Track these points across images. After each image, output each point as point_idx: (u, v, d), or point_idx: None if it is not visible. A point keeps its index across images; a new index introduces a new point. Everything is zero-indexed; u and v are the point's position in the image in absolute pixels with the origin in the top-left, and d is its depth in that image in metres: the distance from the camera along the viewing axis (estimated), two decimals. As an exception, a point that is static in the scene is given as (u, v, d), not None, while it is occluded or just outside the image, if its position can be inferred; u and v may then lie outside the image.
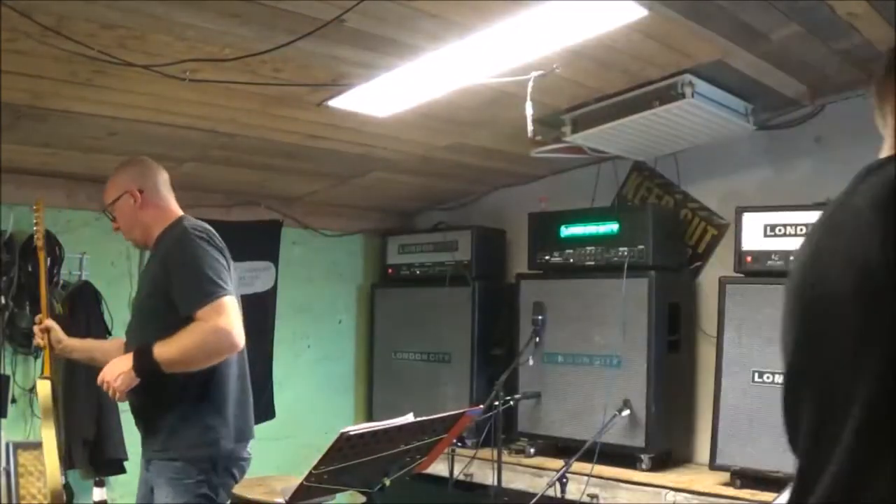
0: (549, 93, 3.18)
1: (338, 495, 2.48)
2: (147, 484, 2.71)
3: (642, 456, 3.72)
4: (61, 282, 3.96)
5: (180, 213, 2.80)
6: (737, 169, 4.04)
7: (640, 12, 2.47)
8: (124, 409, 4.12)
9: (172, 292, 2.58)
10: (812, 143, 3.76)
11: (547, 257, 4.19)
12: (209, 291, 2.57)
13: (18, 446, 3.73)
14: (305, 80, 2.94)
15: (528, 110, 2.86)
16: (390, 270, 5.07)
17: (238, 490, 3.90)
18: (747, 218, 3.49)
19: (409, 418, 2.25)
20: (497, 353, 4.54)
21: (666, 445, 3.87)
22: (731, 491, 3.36)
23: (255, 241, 4.82)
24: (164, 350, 2.50)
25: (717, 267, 4.02)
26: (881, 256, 0.94)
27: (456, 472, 3.97)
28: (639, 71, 3.12)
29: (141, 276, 2.90)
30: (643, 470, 3.71)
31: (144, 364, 2.50)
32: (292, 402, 5.00)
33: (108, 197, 2.78)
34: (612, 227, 3.96)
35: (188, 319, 2.53)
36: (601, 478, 3.70)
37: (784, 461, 3.20)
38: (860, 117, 3.89)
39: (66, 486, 3.38)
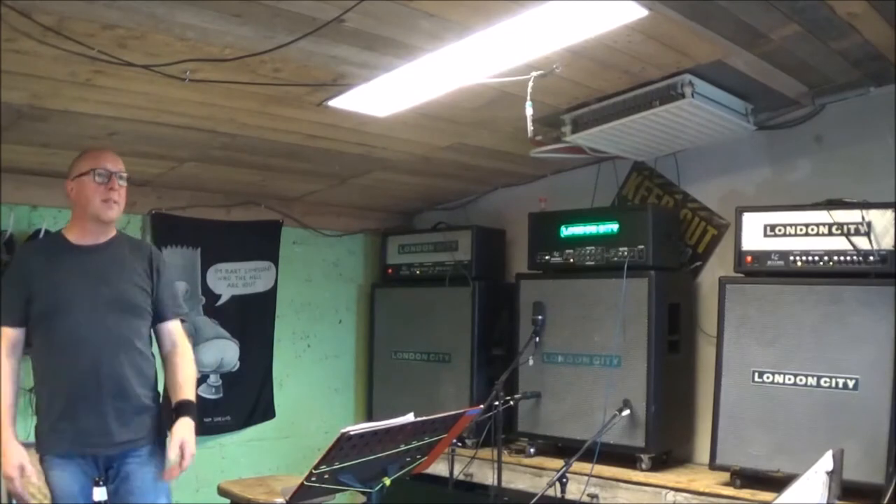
0: (549, 93, 3.18)
1: (338, 495, 2.48)
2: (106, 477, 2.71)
3: (642, 456, 3.72)
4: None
5: None
6: (737, 169, 4.04)
7: (641, 12, 2.47)
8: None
9: (155, 295, 2.86)
10: (812, 143, 3.75)
11: (547, 257, 4.19)
12: (180, 304, 3.08)
13: (18, 446, 3.72)
14: (305, 80, 2.94)
15: (528, 110, 2.87)
16: (390, 270, 5.07)
17: (238, 490, 3.92)
18: (747, 218, 3.49)
19: (409, 418, 2.25)
20: (497, 353, 4.54)
21: (666, 445, 3.87)
22: (730, 491, 3.36)
23: (255, 241, 4.83)
24: (192, 391, 2.87)
25: (717, 267, 4.02)
26: None
27: (456, 472, 3.97)
28: (639, 71, 3.12)
29: (113, 265, 2.80)
30: (643, 470, 3.71)
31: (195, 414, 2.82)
32: (292, 402, 5.00)
33: (123, 168, 2.82)
34: (612, 227, 3.96)
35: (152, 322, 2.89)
36: (601, 478, 3.70)
37: (784, 461, 3.21)
38: (860, 117, 3.91)
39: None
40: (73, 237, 2.80)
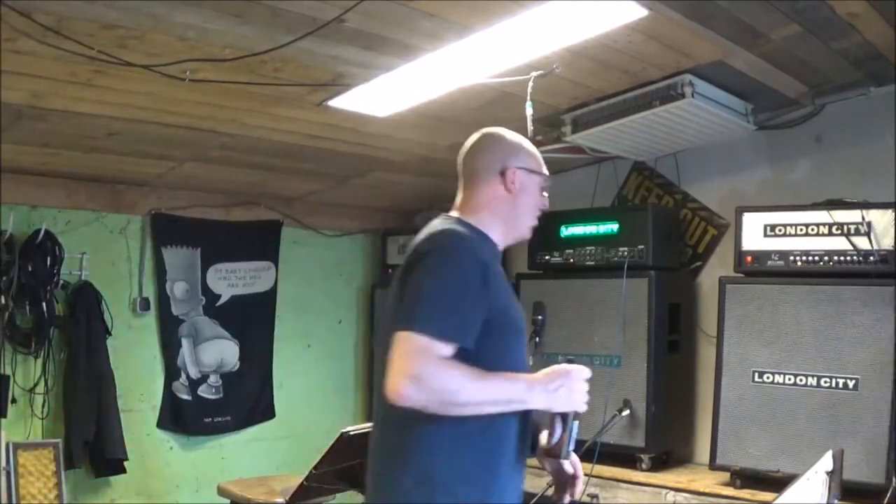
0: (549, 93, 3.18)
1: (338, 495, 2.48)
2: None
3: (642, 456, 3.72)
4: (61, 282, 3.96)
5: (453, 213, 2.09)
6: (737, 169, 4.04)
7: (641, 12, 2.48)
8: (124, 409, 4.15)
9: None
10: (812, 143, 3.75)
11: (547, 257, 4.18)
12: None
13: (18, 446, 3.72)
14: (305, 80, 2.94)
15: (528, 110, 2.87)
16: (390, 270, 5.07)
17: (238, 490, 3.92)
18: (747, 218, 3.49)
19: (410, 418, 2.24)
20: (497, 353, 4.52)
21: (666, 445, 3.87)
22: (730, 491, 3.35)
23: (255, 241, 4.83)
24: None
25: (717, 267, 4.02)
26: None
27: (456, 472, 3.96)
28: (639, 71, 3.12)
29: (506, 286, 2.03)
30: (643, 470, 3.70)
31: None
32: (292, 402, 5.00)
33: None
34: (612, 227, 3.96)
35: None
36: (601, 478, 3.69)
37: (784, 461, 3.20)
38: (860, 117, 3.90)
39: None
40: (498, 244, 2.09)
